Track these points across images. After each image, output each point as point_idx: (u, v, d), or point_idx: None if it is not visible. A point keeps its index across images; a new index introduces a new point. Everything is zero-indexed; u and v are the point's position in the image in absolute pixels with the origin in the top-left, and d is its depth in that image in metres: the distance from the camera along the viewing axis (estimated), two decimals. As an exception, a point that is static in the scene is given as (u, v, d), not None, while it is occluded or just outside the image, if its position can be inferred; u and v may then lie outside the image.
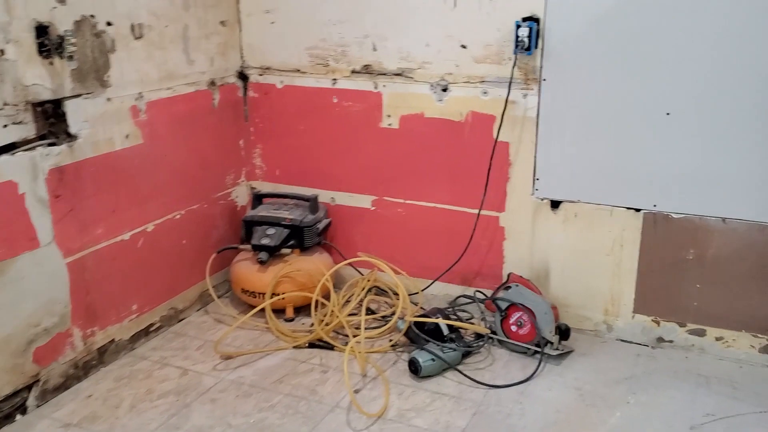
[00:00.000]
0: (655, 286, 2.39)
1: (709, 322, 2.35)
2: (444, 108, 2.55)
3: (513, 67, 2.37)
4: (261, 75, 2.80)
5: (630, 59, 2.23)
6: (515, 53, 2.35)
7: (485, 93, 2.47)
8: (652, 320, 2.43)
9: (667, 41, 2.17)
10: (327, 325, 2.43)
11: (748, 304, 2.28)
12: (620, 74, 2.26)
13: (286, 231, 2.62)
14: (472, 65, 2.47)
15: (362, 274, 2.74)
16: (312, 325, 2.48)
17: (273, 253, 2.60)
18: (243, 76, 2.82)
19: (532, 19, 2.32)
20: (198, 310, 2.72)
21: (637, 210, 2.36)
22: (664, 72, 2.20)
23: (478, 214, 2.54)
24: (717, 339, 2.35)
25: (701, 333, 2.37)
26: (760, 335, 2.29)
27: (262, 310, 2.46)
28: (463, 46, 2.46)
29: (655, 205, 2.33)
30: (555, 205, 2.47)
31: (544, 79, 2.37)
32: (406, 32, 2.53)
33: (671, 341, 2.41)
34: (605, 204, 2.40)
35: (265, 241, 2.59)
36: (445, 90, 2.53)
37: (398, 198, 2.71)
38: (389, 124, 2.65)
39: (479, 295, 2.62)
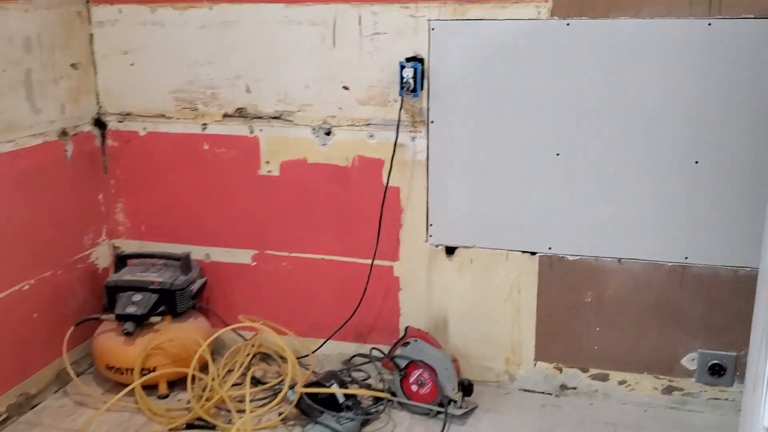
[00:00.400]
0: (555, 331, 2.31)
1: (612, 366, 2.28)
2: (328, 152, 2.37)
3: (400, 110, 2.23)
4: (121, 122, 2.51)
5: (517, 99, 2.15)
6: (401, 95, 2.21)
7: (372, 136, 2.32)
8: (555, 367, 2.33)
9: (553, 80, 2.11)
10: (207, 401, 2.16)
11: (649, 345, 2.23)
12: (508, 115, 2.17)
13: (154, 296, 2.33)
14: (356, 107, 2.31)
15: (245, 339, 2.48)
16: (189, 402, 2.19)
17: (141, 322, 2.30)
18: (100, 124, 2.51)
19: (417, 60, 2.20)
20: (55, 392, 2.36)
21: (533, 253, 2.27)
22: (551, 112, 2.13)
23: (371, 264, 2.36)
24: (620, 383, 2.28)
25: (604, 378, 2.29)
26: (662, 376, 2.24)
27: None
28: (346, 88, 2.30)
29: (550, 248, 2.25)
30: (450, 251, 2.34)
31: (432, 122, 2.24)
32: (283, 73, 2.34)
33: (575, 388, 2.32)
34: (500, 248, 2.29)
35: (131, 310, 2.29)
36: (328, 134, 2.36)
37: (282, 251, 2.49)
38: (269, 171, 2.43)
39: (376, 353, 2.43)
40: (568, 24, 2.06)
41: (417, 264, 2.38)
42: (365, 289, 2.39)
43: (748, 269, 2.10)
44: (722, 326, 2.16)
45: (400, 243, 2.38)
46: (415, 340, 2.26)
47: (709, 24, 1.96)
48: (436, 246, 2.35)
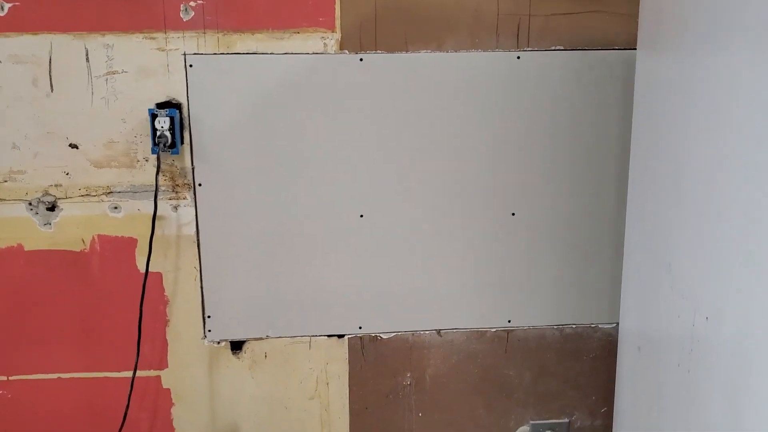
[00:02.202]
0: (372, 425, 1.92)
1: (439, 454, 1.95)
2: (54, 235, 1.73)
3: (157, 173, 1.67)
4: None
5: (306, 151, 1.73)
6: (156, 152, 1.67)
7: (116, 208, 1.73)
8: (375, 467, 1.94)
9: (348, 126, 1.73)
10: None
11: (477, 424, 1.94)
12: (297, 170, 1.74)
13: None
14: (90, 172, 1.71)
15: None
16: None
17: None
18: None
19: (173, 106, 1.67)
20: None
21: (341, 336, 1.86)
22: (350, 164, 1.75)
23: (133, 377, 1.76)
24: (450, 472, 1.96)
25: (432, 469, 1.96)
26: (494, 457, 1.97)
27: None
28: (74, 146, 1.69)
29: (360, 327, 1.86)
30: (237, 346, 1.84)
31: (200, 185, 1.73)
32: (-23, 129, 1.67)
33: (401, 488, 1.95)
34: (301, 335, 1.85)
35: None
36: (52, 209, 1.72)
37: (-4, 376, 1.79)
38: (-34, 268, 1.72)
39: (147, 495, 1.84)
40: (361, 59, 1.70)
41: (193, 369, 1.84)
42: (126, 412, 1.78)
43: (574, 326, 1.90)
44: (552, 391, 1.94)
45: (168, 344, 1.82)
46: (203, 473, 1.72)
47: (518, 57, 1.72)
48: (218, 342, 1.83)
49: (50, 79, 1.66)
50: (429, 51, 1.70)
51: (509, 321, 1.88)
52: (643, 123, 1.46)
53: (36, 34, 1.63)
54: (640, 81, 1.47)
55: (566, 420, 1.96)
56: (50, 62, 1.65)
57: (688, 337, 1.19)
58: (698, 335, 1.15)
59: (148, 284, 1.74)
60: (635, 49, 1.69)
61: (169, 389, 1.84)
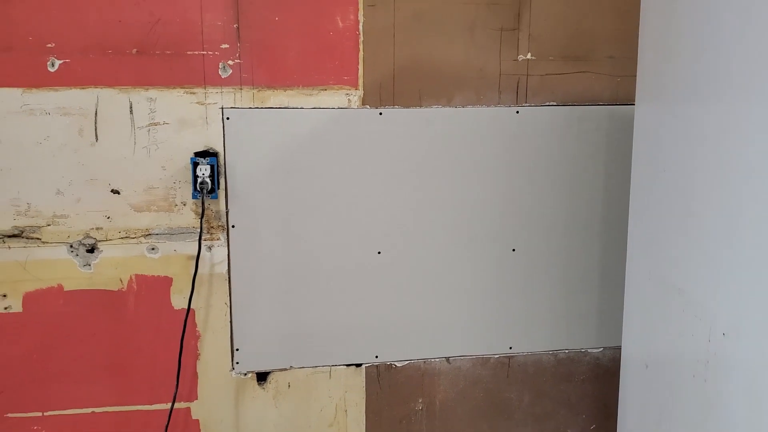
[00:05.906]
0: (387, 449, 2.06)
1: (448, 475, 2.11)
2: (93, 275, 1.84)
3: (202, 217, 1.81)
4: None
5: (330, 195, 1.91)
6: (197, 197, 1.81)
7: (153, 249, 1.86)
8: (389, 489, 2.08)
9: (368, 173, 1.92)
10: None
11: (483, 444, 2.11)
12: (321, 213, 1.91)
13: None
14: (130, 215, 1.83)
15: None
16: None
17: None
18: None
19: (210, 154, 1.83)
20: None
21: (358, 365, 2.01)
22: (369, 207, 1.93)
23: (171, 409, 1.86)
24: (458, 491, 2.12)
25: (442, 489, 2.11)
26: (497, 475, 2.13)
27: None
28: (116, 192, 1.82)
29: (377, 356, 2.01)
30: (262, 377, 1.96)
31: (233, 226, 1.88)
32: (23, 176, 1.77)
33: (414, 508, 2.09)
34: (322, 365, 1.99)
35: None
36: (91, 251, 1.83)
37: (33, 411, 1.86)
38: (6, 308, 1.81)
39: None
40: (380, 113, 1.90)
41: (222, 400, 1.95)
42: (158, 444, 1.87)
43: (567, 351, 2.11)
44: (548, 412, 2.13)
45: (198, 377, 1.93)
46: (237, 498, 1.82)
47: (517, 111, 1.95)
48: (245, 374, 1.95)
49: (95, 129, 1.79)
50: (440, 105, 1.92)
51: (510, 347, 2.08)
52: (643, 164, 1.63)
53: (84, 88, 1.77)
54: (640, 127, 1.67)
55: (561, 438, 2.15)
56: (96, 114, 1.78)
57: (703, 351, 1.38)
58: (715, 349, 1.35)
59: (181, 322, 1.86)
60: (617, 104, 1.97)
61: (198, 420, 1.94)
